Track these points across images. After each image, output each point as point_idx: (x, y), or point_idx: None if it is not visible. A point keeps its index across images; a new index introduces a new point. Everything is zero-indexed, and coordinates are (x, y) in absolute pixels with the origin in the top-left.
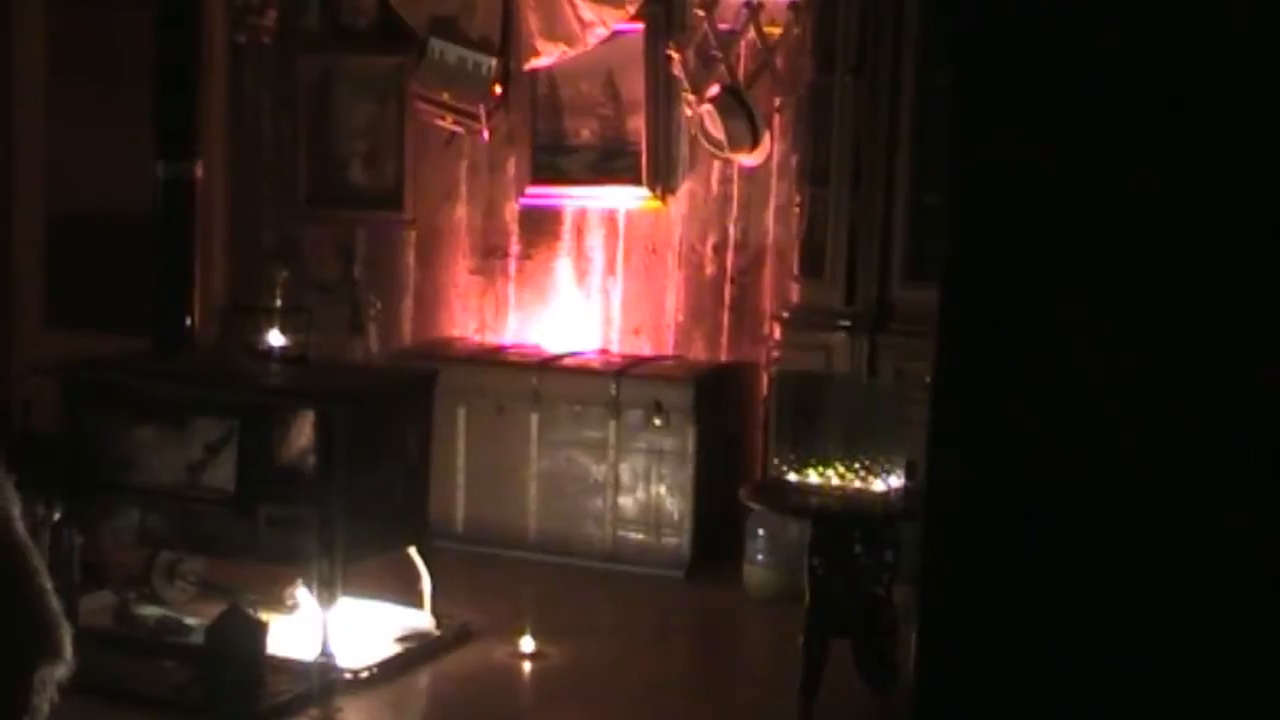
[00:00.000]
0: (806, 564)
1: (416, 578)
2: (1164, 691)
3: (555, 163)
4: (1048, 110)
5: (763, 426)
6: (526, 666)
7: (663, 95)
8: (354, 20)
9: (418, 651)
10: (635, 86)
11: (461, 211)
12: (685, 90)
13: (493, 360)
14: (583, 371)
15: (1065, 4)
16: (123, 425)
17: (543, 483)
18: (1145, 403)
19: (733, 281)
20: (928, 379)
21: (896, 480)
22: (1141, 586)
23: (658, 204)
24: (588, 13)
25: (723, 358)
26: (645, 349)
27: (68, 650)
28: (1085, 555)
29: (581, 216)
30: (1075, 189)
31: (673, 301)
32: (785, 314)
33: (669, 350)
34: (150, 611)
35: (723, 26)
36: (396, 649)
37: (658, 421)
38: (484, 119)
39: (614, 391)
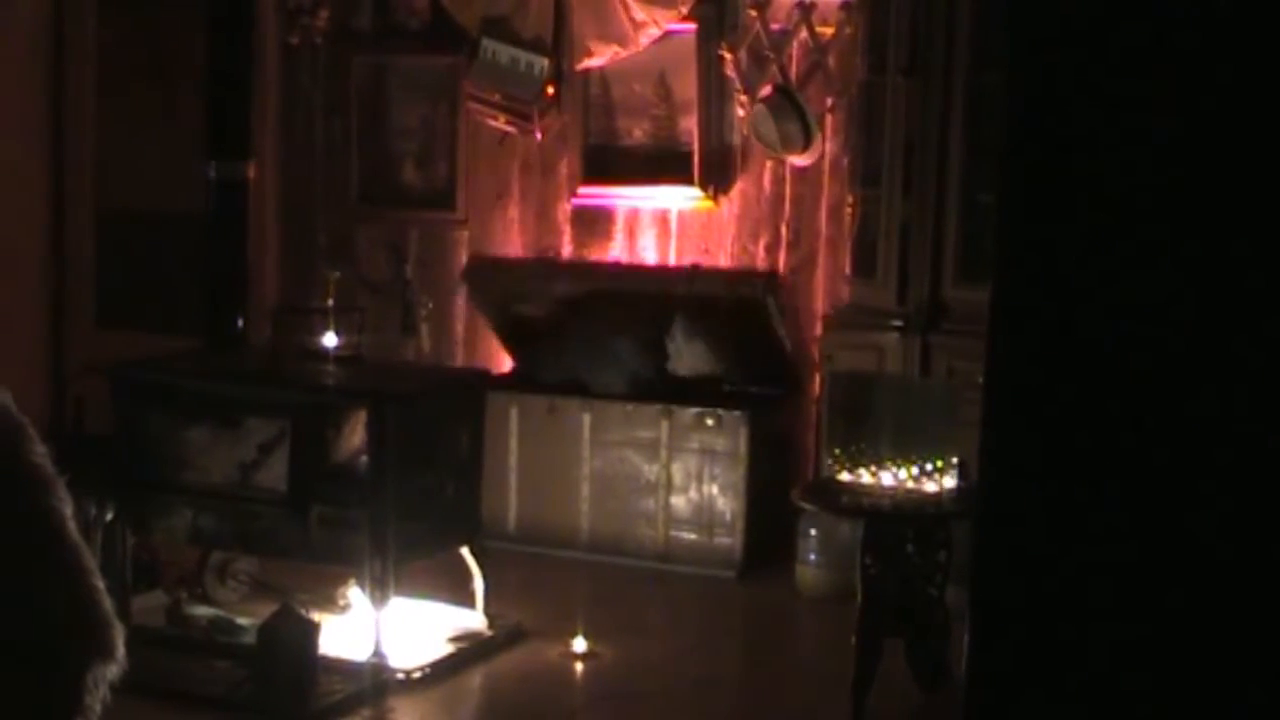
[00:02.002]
0: (859, 564)
1: (469, 578)
2: (1222, 693)
3: (607, 163)
4: (1103, 108)
5: (815, 426)
6: (579, 666)
7: (715, 95)
8: (406, 20)
9: (470, 651)
10: (688, 86)
11: (514, 211)
12: (738, 90)
13: None
14: None
15: (1121, 1)
16: (175, 425)
17: (595, 483)
18: (1201, 403)
19: (785, 281)
20: (980, 379)
21: (949, 480)
22: (1199, 587)
23: (710, 204)
24: (640, 13)
25: None
26: None
27: (120, 650)
28: (1139, 555)
29: (634, 216)
30: (1130, 187)
31: None
32: (837, 314)
33: None
34: (202, 611)
35: (775, 27)
36: (449, 649)
37: (710, 421)
38: (536, 119)
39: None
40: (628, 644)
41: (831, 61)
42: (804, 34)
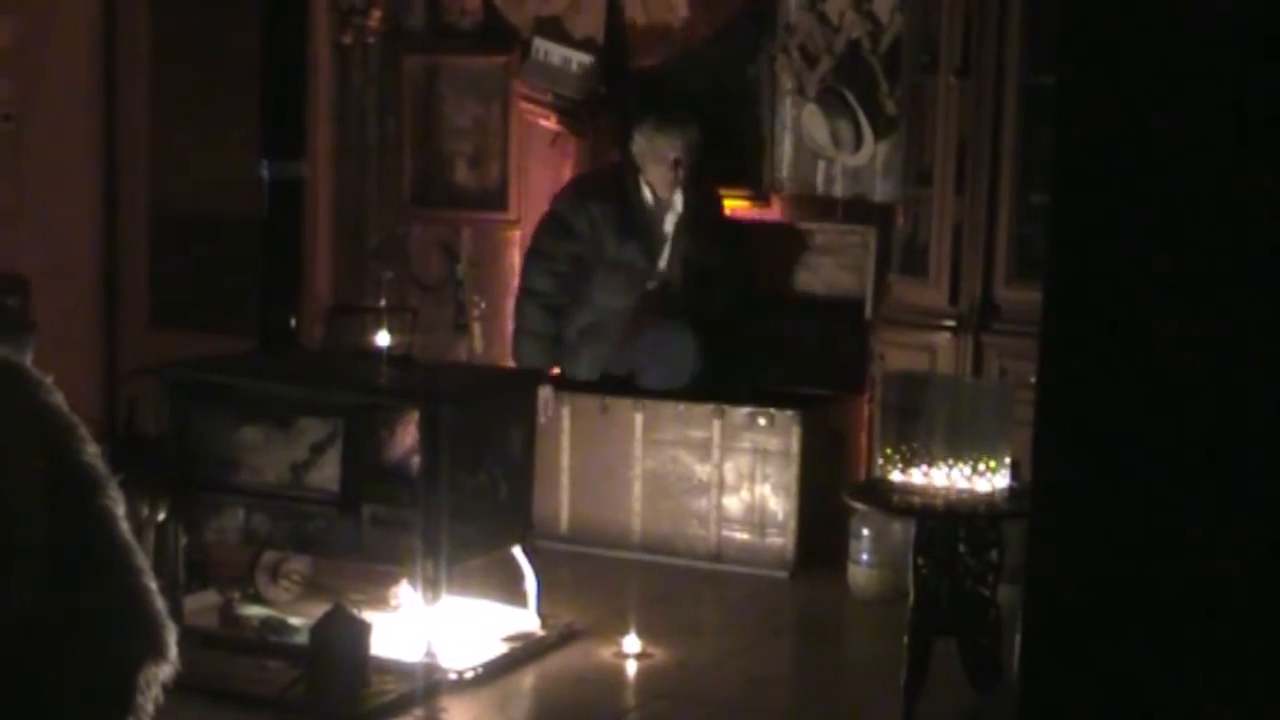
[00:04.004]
0: (911, 564)
1: (521, 578)
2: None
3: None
4: (1156, 108)
5: (867, 426)
6: (631, 666)
7: (766, 95)
8: (458, 20)
9: (522, 651)
10: (739, 86)
11: None
12: (789, 90)
13: None
14: None
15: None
16: (227, 425)
17: (647, 482)
18: (1256, 404)
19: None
20: (1032, 378)
21: (1001, 480)
22: (1252, 587)
23: (761, 203)
24: (692, 12)
25: None
26: None
27: (172, 650)
28: (1191, 555)
29: None
30: (1183, 188)
31: None
32: (889, 313)
33: None
34: (254, 611)
35: (827, 26)
36: (501, 649)
37: (762, 421)
38: (588, 119)
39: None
40: (680, 644)
41: (883, 61)
42: (856, 33)
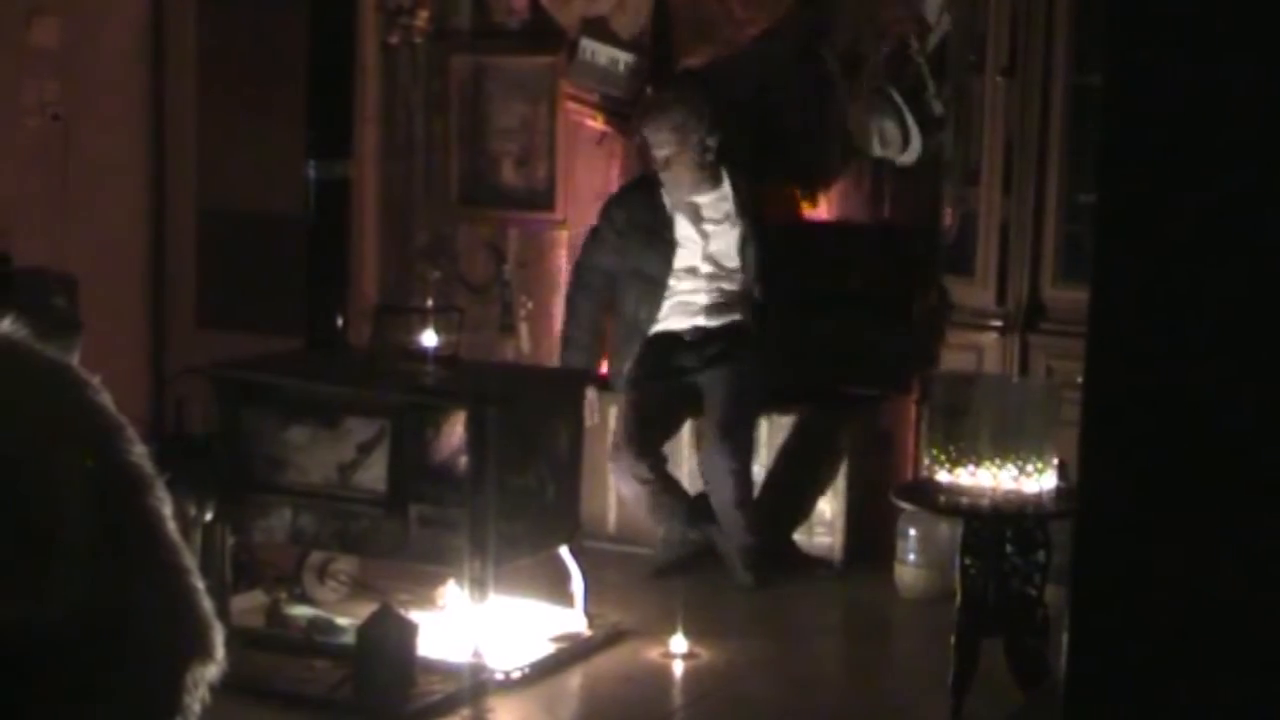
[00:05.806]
0: (958, 564)
1: (568, 578)
2: None
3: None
4: (1203, 108)
5: (914, 426)
6: (678, 666)
7: (813, 95)
8: (505, 20)
9: (569, 652)
10: (786, 86)
11: None
12: (836, 90)
13: None
14: None
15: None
16: (274, 425)
17: (694, 482)
18: None
19: None
20: (1079, 379)
21: (1048, 480)
22: None
23: (808, 204)
24: (740, 12)
25: None
26: None
27: (219, 650)
28: (1239, 556)
29: None
30: (1231, 187)
31: None
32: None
33: None
34: (301, 611)
35: (874, 25)
36: (548, 649)
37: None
38: (635, 119)
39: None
40: (727, 643)
41: (930, 61)
42: (903, 32)
